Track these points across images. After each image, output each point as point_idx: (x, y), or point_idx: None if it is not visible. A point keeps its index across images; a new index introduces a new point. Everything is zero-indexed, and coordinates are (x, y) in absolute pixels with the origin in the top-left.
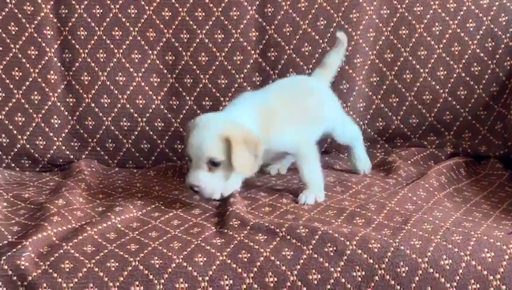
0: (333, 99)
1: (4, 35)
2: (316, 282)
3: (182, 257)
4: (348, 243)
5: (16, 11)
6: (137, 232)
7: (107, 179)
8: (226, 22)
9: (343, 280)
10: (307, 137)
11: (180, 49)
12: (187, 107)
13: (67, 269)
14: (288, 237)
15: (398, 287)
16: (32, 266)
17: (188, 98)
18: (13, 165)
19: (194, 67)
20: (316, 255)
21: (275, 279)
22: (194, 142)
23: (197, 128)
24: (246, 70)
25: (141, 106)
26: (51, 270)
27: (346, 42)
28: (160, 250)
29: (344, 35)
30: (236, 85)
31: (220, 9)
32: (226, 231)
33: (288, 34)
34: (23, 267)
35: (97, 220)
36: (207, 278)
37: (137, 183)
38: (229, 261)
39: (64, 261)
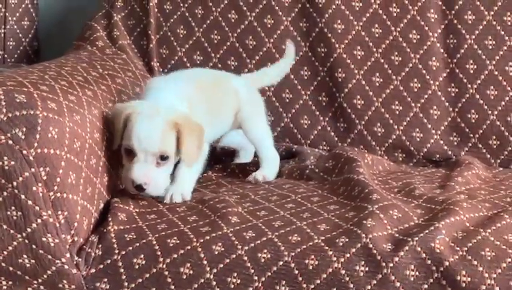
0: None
1: (385, 17)
2: None
3: None
4: None
5: None
6: None
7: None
8: None
9: None
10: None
11: None
12: None
13: (489, 258)
14: None
15: None
16: (449, 250)
17: None
18: (386, 157)
19: None
20: None
21: None
22: (143, 134)
23: (143, 118)
24: None
25: None
26: (469, 257)
27: (294, 54)
28: None
29: (292, 46)
30: None
31: None
32: None
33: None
34: (438, 250)
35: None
36: None
37: None
38: None
39: (485, 248)
